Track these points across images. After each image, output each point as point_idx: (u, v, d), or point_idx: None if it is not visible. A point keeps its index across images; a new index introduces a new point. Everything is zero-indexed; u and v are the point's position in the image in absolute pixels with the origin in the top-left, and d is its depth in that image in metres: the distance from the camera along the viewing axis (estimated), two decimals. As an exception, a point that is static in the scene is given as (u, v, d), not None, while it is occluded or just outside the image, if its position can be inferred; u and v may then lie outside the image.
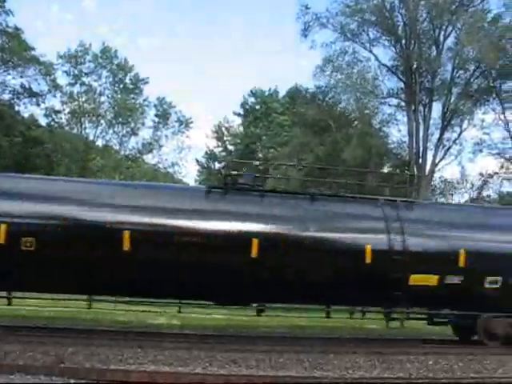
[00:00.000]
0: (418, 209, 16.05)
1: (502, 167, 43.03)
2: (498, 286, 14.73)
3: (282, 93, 56.36)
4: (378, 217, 14.84)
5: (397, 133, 43.63)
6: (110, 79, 44.43)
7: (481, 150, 42.16)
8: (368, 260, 14.04)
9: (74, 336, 13.14)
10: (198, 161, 63.89)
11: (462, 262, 14.51)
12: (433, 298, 14.78)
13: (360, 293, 14.45)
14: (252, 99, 59.37)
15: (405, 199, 15.93)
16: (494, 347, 14.70)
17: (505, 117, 40.73)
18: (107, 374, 9.44)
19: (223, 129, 61.86)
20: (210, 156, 63.32)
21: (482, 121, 41.10)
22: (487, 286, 14.71)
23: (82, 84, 43.80)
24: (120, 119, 43.09)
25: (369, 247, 14.13)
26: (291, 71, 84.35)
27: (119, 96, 43.65)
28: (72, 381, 9.19)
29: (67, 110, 43.58)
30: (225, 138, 61.85)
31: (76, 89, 43.60)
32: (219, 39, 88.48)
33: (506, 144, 41.94)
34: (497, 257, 15.00)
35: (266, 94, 58.75)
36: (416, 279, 14.30)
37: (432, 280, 14.38)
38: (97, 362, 10.85)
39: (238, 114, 60.43)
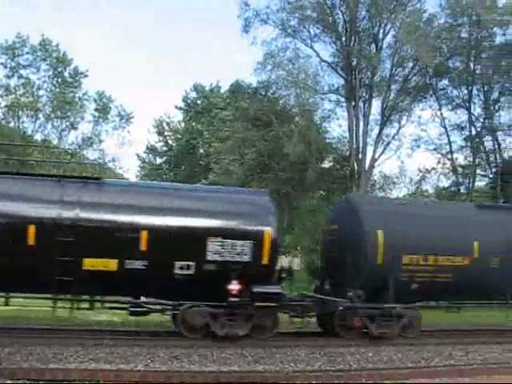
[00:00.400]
0: (97, 189, 14.10)
1: (438, 162, 44.21)
2: (191, 272, 13.78)
3: (223, 88, 56.33)
4: (48, 198, 13.52)
5: (338, 128, 44.26)
6: (50, 72, 43.35)
7: (418, 146, 43.15)
8: (31, 242, 12.90)
9: (12, 336, 12.78)
10: (138, 156, 63.13)
11: (143, 246, 13.49)
12: (114, 284, 13.53)
13: (26, 279, 12.96)
14: (194, 94, 59.03)
15: (87, 176, 14.73)
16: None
17: (441, 113, 41.89)
18: (46, 374, 9.25)
19: (164, 124, 61.29)
20: (151, 151, 62.67)
21: (420, 117, 42.12)
22: (177, 271, 13.70)
23: (20, 77, 42.61)
24: (59, 113, 42.07)
25: (32, 228, 12.95)
26: (233, 67, 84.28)
27: (58, 90, 42.60)
28: (9, 381, 8.97)
29: (3, 104, 42.33)
30: (166, 133, 61.29)
31: (13, 81, 42.42)
32: (163, 33, 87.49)
33: (443, 140, 43.15)
34: (186, 240, 13.80)
35: (208, 88, 58.52)
36: (91, 263, 13.20)
37: (110, 264, 13.31)
38: (36, 361, 10.61)
39: (180, 109, 59.97)
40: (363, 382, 10.03)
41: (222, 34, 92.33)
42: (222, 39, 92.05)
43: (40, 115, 41.94)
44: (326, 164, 42.09)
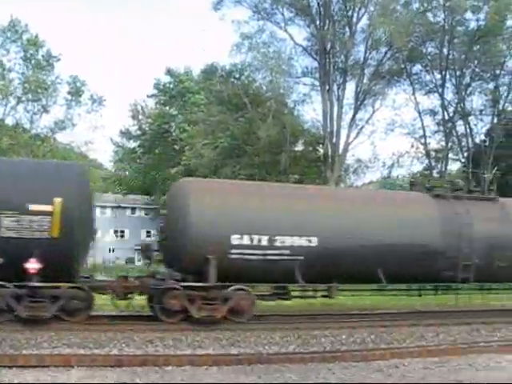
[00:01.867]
0: None
1: (412, 146, 44.65)
2: None
3: (195, 72, 55.99)
4: None
5: (312, 112, 44.37)
6: (21, 54, 42.53)
7: (392, 130, 43.55)
8: None
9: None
10: (112, 140, 62.67)
11: None
12: None
13: None
14: (167, 78, 58.53)
15: None
16: None
17: (415, 98, 42.21)
18: (19, 359, 9.19)
19: (139, 107, 60.85)
20: (125, 135, 62.21)
21: (394, 101, 42.47)
22: None
23: (-12, 59, 41.74)
24: (30, 96, 41.39)
25: None
26: (205, 50, 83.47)
27: (30, 72, 41.84)
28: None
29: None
30: (140, 117, 60.87)
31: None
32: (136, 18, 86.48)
33: (416, 124, 43.54)
34: None
35: (181, 72, 58.02)
36: None
37: None
38: (9, 347, 10.55)
39: (152, 96, 59.39)
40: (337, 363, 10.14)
41: (195, 17, 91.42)
42: (194, 22, 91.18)
43: (11, 98, 41.23)
44: (300, 147, 42.21)
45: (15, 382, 8.12)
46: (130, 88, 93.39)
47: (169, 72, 58.01)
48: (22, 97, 41.26)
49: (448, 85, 41.47)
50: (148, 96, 59.52)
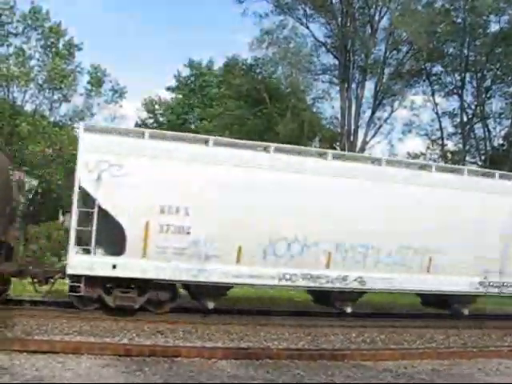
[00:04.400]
0: None
1: (428, 148, 44.39)
2: None
3: (216, 65, 55.79)
4: None
5: (330, 109, 44.16)
6: (42, 42, 42.64)
7: (410, 131, 43.29)
8: None
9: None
10: (128, 132, 62.68)
11: None
12: None
13: None
14: (187, 71, 58.36)
15: None
16: None
17: (434, 99, 41.93)
18: (30, 344, 9.29)
19: (155, 100, 60.79)
20: (141, 127, 62.36)
21: (412, 102, 42.15)
22: None
23: (9, 45, 41.89)
24: (51, 84, 41.54)
25: None
26: (227, 45, 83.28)
27: (51, 60, 41.95)
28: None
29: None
30: (156, 111, 60.86)
31: (2, 50, 41.68)
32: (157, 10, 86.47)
33: (434, 126, 43.27)
34: None
35: (203, 65, 57.86)
36: None
37: None
38: (21, 332, 10.66)
39: (171, 89, 59.24)
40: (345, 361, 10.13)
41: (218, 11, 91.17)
42: (217, 16, 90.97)
43: (31, 85, 41.40)
44: (317, 143, 42.10)
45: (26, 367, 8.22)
46: (152, 78, 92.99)
47: (190, 64, 57.79)
48: (43, 84, 41.39)
49: (468, 87, 41.23)
50: (167, 89, 59.44)
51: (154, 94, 60.84)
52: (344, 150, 37.45)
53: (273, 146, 14.01)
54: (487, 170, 18.00)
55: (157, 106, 60.48)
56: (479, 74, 40.35)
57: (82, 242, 12.77)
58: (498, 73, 40.25)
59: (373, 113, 38.71)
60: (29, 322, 11.55)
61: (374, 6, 37.17)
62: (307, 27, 38.97)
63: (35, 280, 13.36)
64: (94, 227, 12.51)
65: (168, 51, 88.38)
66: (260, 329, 12.81)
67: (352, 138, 37.76)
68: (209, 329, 12.41)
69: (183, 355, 9.47)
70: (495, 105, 42.50)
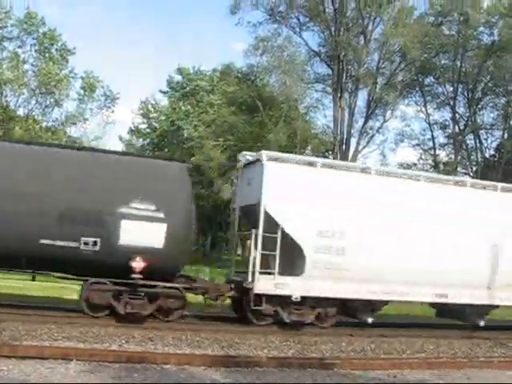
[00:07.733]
0: None
1: (420, 158, 44.64)
2: None
3: (207, 71, 55.90)
4: None
5: (322, 118, 44.38)
6: (36, 47, 42.60)
7: (402, 141, 43.56)
8: None
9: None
10: (121, 138, 62.57)
11: None
12: None
13: None
14: (179, 77, 58.34)
15: None
16: None
17: (426, 110, 42.18)
18: (19, 350, 9.22)
19: (149, 106, 60.78)
20: (135, 133, 62.22)
21: (404, 113, 42.43)
22: None
23: (3, 49, 41.82)
24: (44, 89, 41.44)
25: None
26: (221, 53, 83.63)
27: (44, 65, 41.87)
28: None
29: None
30: (151, 115, 60.81)
31: (-3, 54, 41.56)
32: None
33: (426, 136, 43.52)
34: None
35: (191, 71, 57.75)
36: None
37: None
38: (8, 338, 10.58)
39: (164, 92, 59.28)
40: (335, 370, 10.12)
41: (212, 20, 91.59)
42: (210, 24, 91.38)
43: (24, 90, 41.32)
44: (309, 153, 42.18)
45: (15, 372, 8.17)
46: (146, 85, 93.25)
47: (179, 70, 57.84)
48: (35, 89, 41.31)
49: (460, 98, 41.48)
50: (161, 92, 59.41)
51: (150, 96, 60.91)
52: (336, 159, 37.56)
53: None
54: None
55: (151, 109, 60.38)
56: (471, 86, 40.61)
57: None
58: (490, 84, 40.54)
59: (365, 122, 38.90)
60: (17, 327, 11.46)
61: (367, 16, 37.37)
62: (300, 36, 39.16)
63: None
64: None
65: (168, 51, 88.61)
66: (250, 337, 12.77)
67: (344, 147, 37.87)
68: (198, 336, 12.36)
69: (173, 363, 9.45)
70: (487, 116, 42.83)
